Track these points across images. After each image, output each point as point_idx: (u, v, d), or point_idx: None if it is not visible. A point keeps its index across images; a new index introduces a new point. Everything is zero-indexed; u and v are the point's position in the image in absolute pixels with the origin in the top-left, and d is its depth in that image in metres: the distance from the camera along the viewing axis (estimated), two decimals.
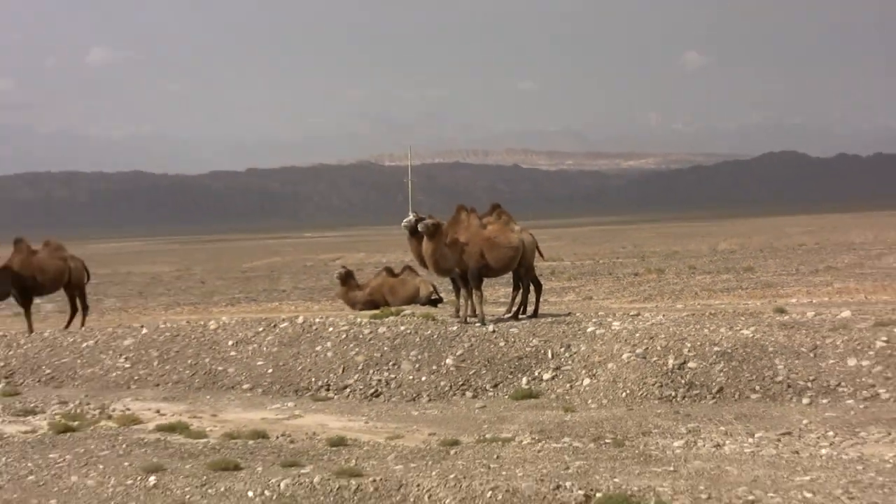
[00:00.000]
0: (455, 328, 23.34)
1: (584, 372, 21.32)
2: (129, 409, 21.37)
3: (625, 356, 21.24)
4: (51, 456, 17.63)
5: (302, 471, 16.00)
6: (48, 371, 24.93)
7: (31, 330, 27.87)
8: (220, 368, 23.77)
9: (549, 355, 21.92)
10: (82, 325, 28.75)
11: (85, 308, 29.85)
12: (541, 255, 25.84)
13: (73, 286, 29.47)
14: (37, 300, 29.86)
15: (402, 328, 23.55)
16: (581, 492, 14.24)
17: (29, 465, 17.28)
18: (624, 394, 20.44)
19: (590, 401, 20.45)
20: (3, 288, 28.54)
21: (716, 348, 20.80)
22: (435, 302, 29.48)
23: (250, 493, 15.52)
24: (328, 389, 22.47)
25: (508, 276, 25.42)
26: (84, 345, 25.51)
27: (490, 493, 14.60)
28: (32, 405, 22.30)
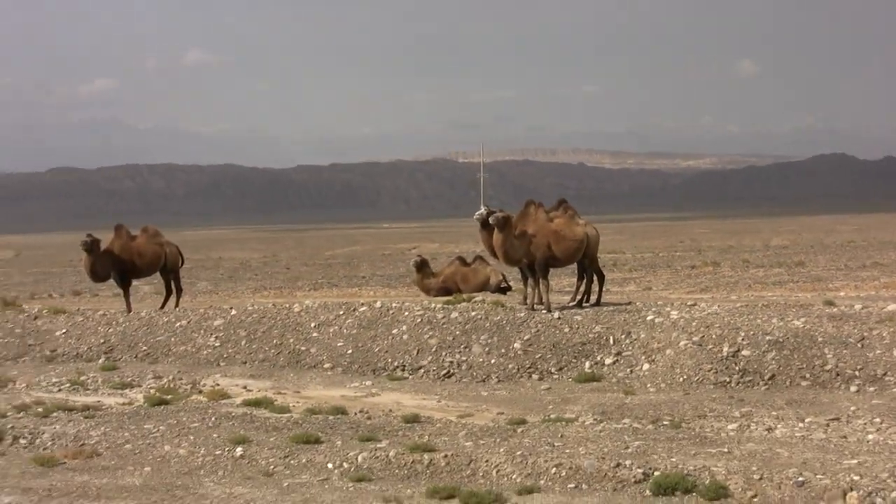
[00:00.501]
0: (523, 314, 23.26)
1: (643, 357, 21.22)
2: (218, 385, 21.45)
3: (682, 343, 21.12)
4: (146, 426, 17.70)
5: (378, 445, 15.98)
6: (144, 348, 25.05)
7: (129, 309, 28.01)
8: (303, 348, 23.80)
9: (611, 341, 21.82)
10: (176, 305, 28.86)
11: (179, 290, 29.96)
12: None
13: (169, 270, 29.58)
14: (135, 282, 29.94)
15: (474, 314, 23.50)
16: (640, 470, 14.16)
17: (126, 434, 17.35)
18: (681, 379, 20.34)
19: (649, 385, 20.36)
20: (105, 270, 28.71)
21: (768, 337, 20.64)
22: (504, 290, 29.37)
23: (330, 465, 15.52)
24: (403, 370, 22.47)
25: (573, 266, 25.30)
26: (178, 324, 25.61)
27: (554, 469, 14.54)
28: (129, 379, 22.42)
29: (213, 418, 18.15)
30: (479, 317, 23.31)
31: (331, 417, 18.16)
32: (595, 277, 25.06)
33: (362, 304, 25.28)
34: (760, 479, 13.59)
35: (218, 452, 16.31)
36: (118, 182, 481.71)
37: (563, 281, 30.84)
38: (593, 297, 24.88)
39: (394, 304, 24.97)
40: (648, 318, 22.42)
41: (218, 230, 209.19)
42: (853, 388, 19.15)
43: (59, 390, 21.68)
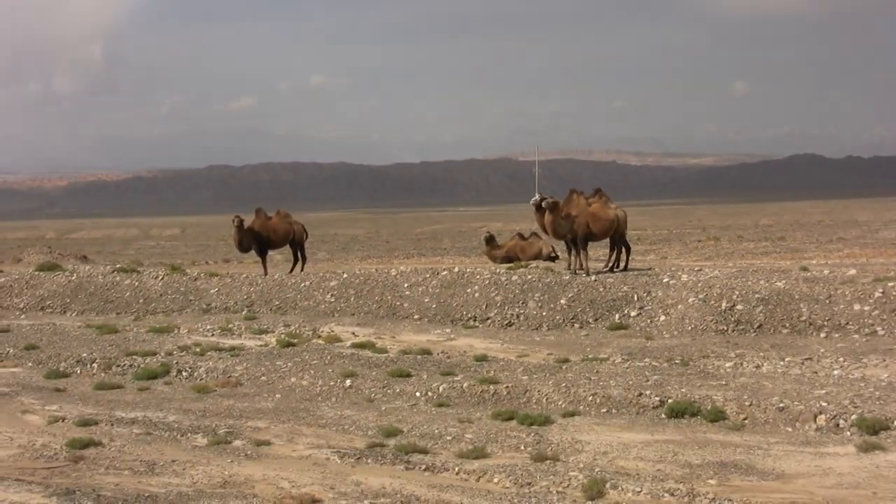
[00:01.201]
0: (567, 278, 23.13)
1: (660, 311, 21.06)
2: (332, 331, 21.47)
3: (690, 300, 20.95)
4: (277, 363, 17.78)
5: (455, 378, 15.98)
6: (277, 303, 25.12)
7: (266, 273, 28.09)
8: (397, 303, 23.78)
9: (635, 298, 21.66)
10: (302, 270, 28.91)
11: (304, 259, 30.00)
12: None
13: (296, 243, 29.61)
14: (270, 252, 30.04)
15: (529, 277, 23.38)
16: (657, 398, 14.11)
17: (262, 369, 17.44)
18: (689, 328, 20.18)
19: (664, 332, 20.22)
20: (248, 243, 28.87)
21: (757, 295, 20.44)
22: (553, 259, 29.20)
23: (417, 394, 15.52)
24: (475, 320, 22.40)
25: (606, 240, 25.16)
26: (302, 284, 25.66)
27: (591, 397, 14.50)
28: (265, 327, 22.50)
29: (328, 357, 18.19)
30: (534, 279, 23.19)
31: (419, 357, 18.17)
32: (623, 249, 24.94)
33: (444, 270, 25.23)
34: (750, 405, 13.52)
35: (332, 383, 16.36)
36: (258, 176, 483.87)
37: (599, 252, 30.65)
38: (622, 265, 24.74)
39: (468, 270, 24.90)
40: (664, 280, 22.23)
41: (333, 213, 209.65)
42: (822, 335, 18.98)
43: (212, 335, 21.79)
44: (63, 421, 14.38)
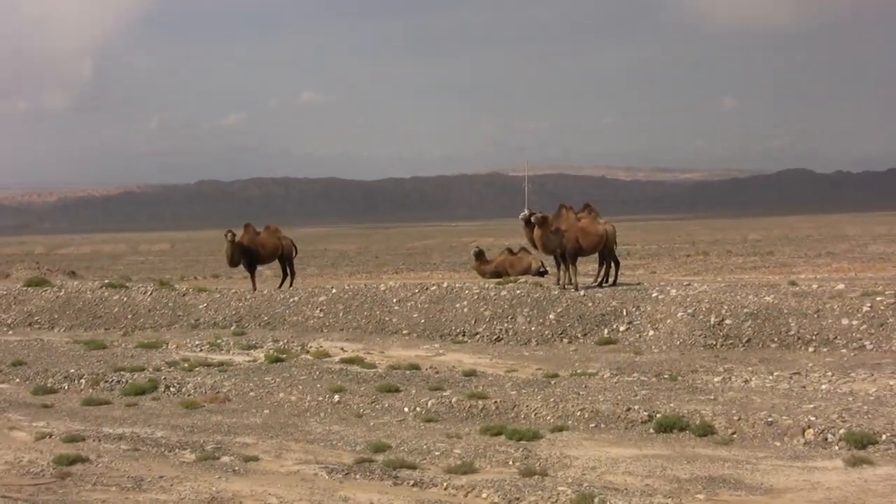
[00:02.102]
0: (556, 292, 23.14)
1: (649, 326, 21.08)
2: (321, 347, 21.45)
3: (679, 315, 20.97)
4: (265, 378, 17.74)
5: (443, 393, 15.96)
6: (266, 318, 25.09)
7: (254, 288, 28.05)
8: (386, 318, 23.76)
9: (624, 313, 21.68)
10: (290, 285, 28.87)
11: (293, 274, 29.95)
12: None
13: (285, 258, 29.57)
14: (259, 267, 30.01)
15: (518, 292, 23.38)
16: (646, 413, 14.11)
17: (250, 384, 17.40)
18: (678, 342, 20.21)
19: (653, 347, 20.24)
20: (238, 258, 28.80)
21: (745, 310, 20.47)
22: (542, 274, 29.18)
23: (406, 409, 15.50)
24: (464, 335, 22.40)
25: (595, 255, 25.16)
26: (291, 300, 25.63)
27: (579, 412, 14.49)
28: (254, 342, 22.46)
29: (317, 372, 18.17)
30: (523, 294, 23.20)
31: (407, 372, 18.15)
32: (612, 264, 24.95)
33: (433, 285, 25.21)
34: (739, 419, 13.52)
35: (320, 398, 16.33)
36: (248, 191, 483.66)
37: (588, 267, 30.67)
38: (611, 279, 24.75)
39: (457, 285, 24.89)
40: (653, 295, 22.25)
41: (324, 228, 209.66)
42: (811, 349, 19.03)
43: (201, 350, 21.75)
44: (50, 437, 14.32)
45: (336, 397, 16.21)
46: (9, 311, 28.09)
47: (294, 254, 30.18)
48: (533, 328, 22.00)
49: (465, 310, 23.14)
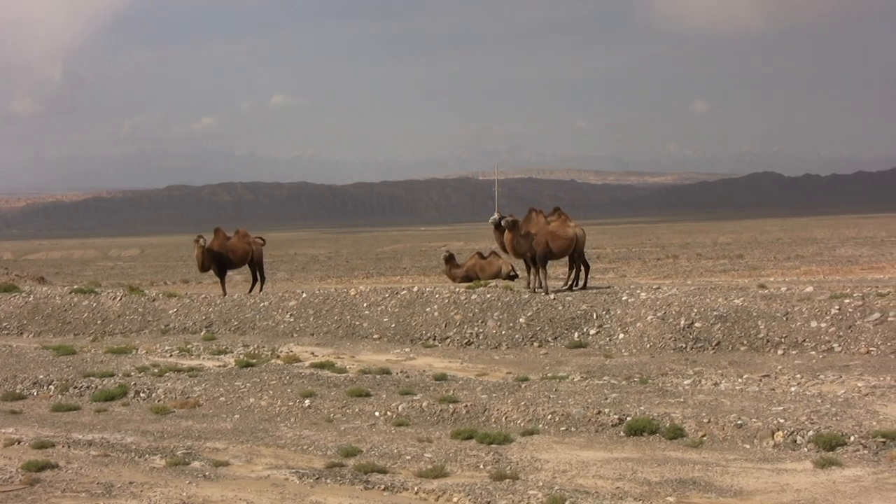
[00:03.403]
0: (526, 296, 23.17)
1: (619, 329, 21.14)
2: (291, 351, 21.41)
3: (649, 318, 21.04)
4: (236, 383, 17.69)
5: (414, 398, 15.95)
6: (236, 323, 25.02)
7: (224, 293, 27.98)
8: (357, 323, 23.73)
9: (594, 317, 21.73)
10: (261, 290, 28.82)
11: (263, 279, 29.90)
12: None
13: (255, 262, 29.54)
14: (229, 272, 29.95)
15: (489, 296, 23.40)
16: (616, 416, 14.15)
17: (221, 389, 17.35)
18: (648, 345, 20.28)
19: (623, 350, 20.30)
20: (209, 263, 28.73)
21: (715, 313, 20.56)
22: (512, 277, 29.20)
23: (377, 413, 15.49)
24: (434, 339, 22.40)
25: (566, 258, 25.19)
26: (261, 305, 25.58)
27: (550, 415, 14.51)
28: (224, 347, 22.40)
29: (287, 377, 18.13)
30: (493, 298, 23.22)
31: (378, 376, 18.13)
32: (582, 267, 25.01)
33: (403, 289, 25.20)
34: (708, 422, 13.58)
35: (291, 403, 16.30)
36: (218, 195, 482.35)
37: (558, 270, 30.73)
38: (581, 283, 24.80)
39: (427, 289, 24.89)
40: (623, 298, 22.31)
41: (293, 232, 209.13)
42: (780, 352, 19.13)
43: (171, 356, 21.67)
44: (19, 443, 14.22)
45: (307, 402, 16.19)
46: None
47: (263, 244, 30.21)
48: (503, 332, 22.02)
49: (436, 314, 23.15)
